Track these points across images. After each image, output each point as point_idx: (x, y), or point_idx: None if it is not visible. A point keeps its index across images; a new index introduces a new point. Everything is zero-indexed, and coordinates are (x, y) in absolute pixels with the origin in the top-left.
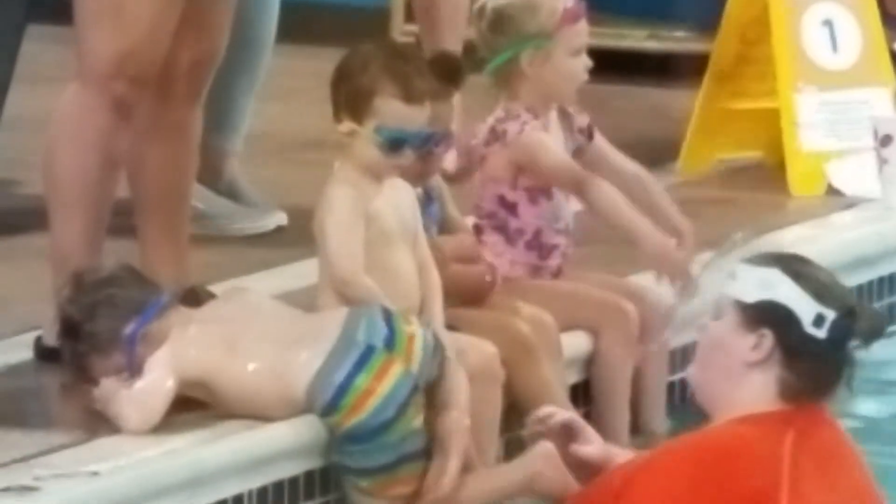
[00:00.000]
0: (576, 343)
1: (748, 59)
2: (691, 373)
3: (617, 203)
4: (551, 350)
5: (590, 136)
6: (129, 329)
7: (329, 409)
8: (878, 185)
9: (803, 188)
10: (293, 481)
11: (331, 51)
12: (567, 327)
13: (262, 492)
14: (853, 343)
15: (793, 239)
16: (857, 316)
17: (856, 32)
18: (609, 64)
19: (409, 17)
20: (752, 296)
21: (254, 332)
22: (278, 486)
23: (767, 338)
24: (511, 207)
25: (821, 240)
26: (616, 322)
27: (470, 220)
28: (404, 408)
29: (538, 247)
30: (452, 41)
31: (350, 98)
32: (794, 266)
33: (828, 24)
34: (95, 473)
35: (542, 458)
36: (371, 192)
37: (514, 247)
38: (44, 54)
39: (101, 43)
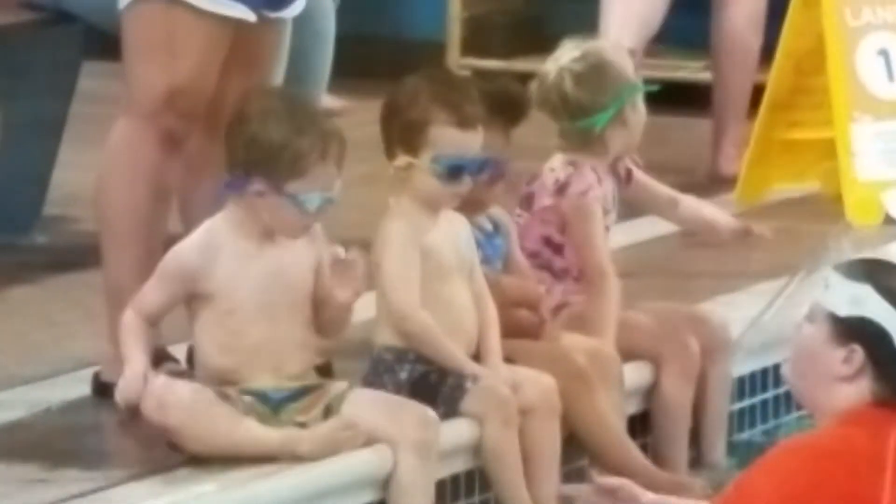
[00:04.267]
0: (636, 374)
1: (804, 89)
2: (786, 371)
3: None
4: (610, 381)
5: (628, 180)
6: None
7: None
8: None
9: (860, 218)
10: None
11: (386, 84)
12: (627, 357)
13: None
14: None
15: None
16: None
17: None
18: (665, 95)
19: (465, 50)
20: (843, 310)
21: None
22: None
23: (858, 353)
24: (557, 248)
25: None
26: (677, 353)
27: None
28: None
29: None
30: None
31: (403, 132)
32: (886, 282)
33: (883, 53)
34: None
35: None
36: (427, 225)
37: (562, 282)
38: (100, 90)
39: (150, 78)
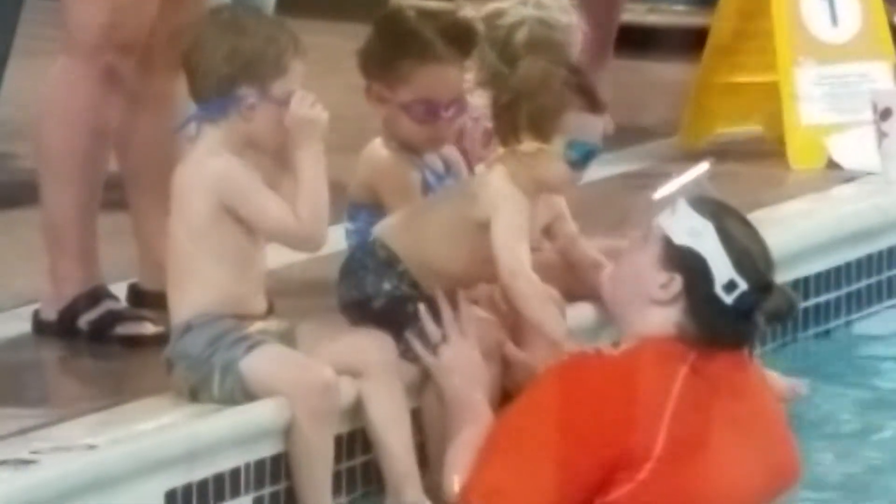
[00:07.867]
0: None
1: (747, 33)
2: (606, 280)
3: None
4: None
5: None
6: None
7: None
8: (877, 158)
9: (803, 162)
10: None
11: (330, 25)
12: None
13: (260, 465)
14: (759, 317)
15: (791, 212)
16: (769, 294)
17: (855, 6)
18: None
19: None
20: (679, 238)
21: None
22: (276, 459)
23: (676, 282)
24: None
25: (819, 213)
26: None
27: None
28: None
29: None
30: None
31: (534, 117)
32: (727, 226)
33: None
34: (92, 446)
35: None
36: (527, 210)
37: None
38: (43, 27)
39: (89, 13)
